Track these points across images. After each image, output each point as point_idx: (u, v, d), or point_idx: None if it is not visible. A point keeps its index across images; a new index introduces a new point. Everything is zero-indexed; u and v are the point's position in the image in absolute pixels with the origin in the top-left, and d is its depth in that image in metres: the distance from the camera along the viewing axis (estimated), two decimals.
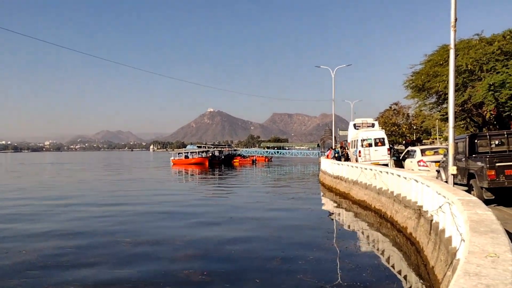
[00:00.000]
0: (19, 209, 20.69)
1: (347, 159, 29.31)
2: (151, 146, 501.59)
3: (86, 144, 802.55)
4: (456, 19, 11.08)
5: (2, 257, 11.29)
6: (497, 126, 24.24)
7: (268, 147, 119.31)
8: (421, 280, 8.81)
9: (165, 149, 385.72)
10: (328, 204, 22.75)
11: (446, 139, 49.39)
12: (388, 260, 10.82)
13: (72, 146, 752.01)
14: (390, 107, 63.17)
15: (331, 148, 39.29)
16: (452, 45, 11.16)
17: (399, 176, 14.59)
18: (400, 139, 58.44)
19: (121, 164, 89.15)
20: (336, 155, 31.42)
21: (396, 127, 57.84)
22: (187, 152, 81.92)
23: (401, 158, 22.23)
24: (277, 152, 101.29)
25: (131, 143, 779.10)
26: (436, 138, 53.91)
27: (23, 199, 24.67)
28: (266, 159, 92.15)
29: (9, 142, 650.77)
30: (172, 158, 79.77)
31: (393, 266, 10.18)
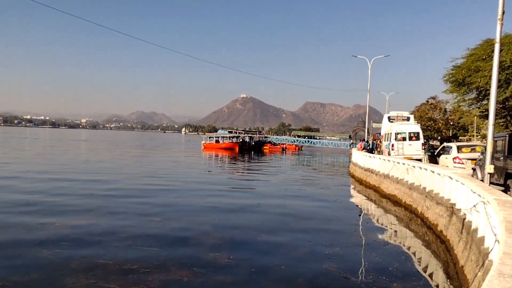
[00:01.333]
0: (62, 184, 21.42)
1: (380, 152, 28.86)
2: (183, 129, 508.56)
3: (121, 124, 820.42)
4: (503, 12, 10.65)
5: (36, 228, 11.77)
6: None
7: (299, 136, 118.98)
8: (449, 279, 8.66)
9: (196, 133, 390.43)
10: (357, 196, 22.55)
11: (483, 136, 47.82)
12: (415, 256, 10.67)
13: (107, 125, 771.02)
14: (427, 101, 61.46)
15: (363, 140, 38.76)
16: (497, 39, 10.75)
17: (432, 172, 14.29)
18: (436, 135, 56.95)
19: (153, 145, 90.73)
20: (368, 147, 31.02)
21: (432, 122, 56.26)
22: (218, 137, 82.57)
23: (435, 154, 21.70)
24: (308, 141, 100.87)
25: (164, 124, 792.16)
26: (473, 135, 52.23)
27: (68, 176, 25.52)
28: (297, 148, 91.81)
29: (47, 118, 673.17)
30: (203, 141, 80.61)
31: (420, 263, 10.04)
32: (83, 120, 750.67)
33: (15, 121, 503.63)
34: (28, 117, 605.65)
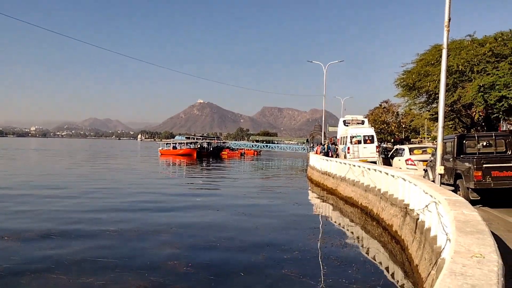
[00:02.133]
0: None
1: (337, 155, 29.39)
2: (139, 136, 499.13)
3: (73, 131, 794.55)
4: (449, 19, 11.09)
5: None
6: (485, 128, 24.49)
7: (257, 141, 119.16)
8: (406, 278, 8.86)
9: (153, 139, 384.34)
10: (315, 200, 22.82)
11: (434, 138, 49.84)
12: (373, 257, 10.87)
13: (58, 133, 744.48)
14: (380, 105, 63.51)
15: (320, 143, 39.37)
16: (445, 45, 11.17)
17: (387, 174, 14.64)
18: (389, 137, 58.82)
19: (107, 152, 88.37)
20: (323, 151, 31.50)
21: (385, 125, 58.15)
22: (175, 143, 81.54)
23: (389, 156, 22.33)
24: (266, 146, 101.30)
25: (119, 131, 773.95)
26: (424, 137, 54.33)
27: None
28: (255, 153, 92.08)
29: None
30: (160, 148, 79.33)
31: (378, 263, 10.22)
32: (33, 128, 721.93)
33: None
34: None
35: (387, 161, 22.26)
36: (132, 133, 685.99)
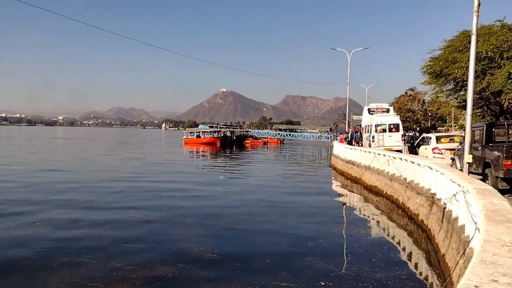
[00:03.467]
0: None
1: (361, 144, 29.13)
2: (163, 125, 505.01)
3: (99, 120, 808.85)
4: (479, 4, 10.80)
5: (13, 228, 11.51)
6: None
7: (280, 129, 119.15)
8: (431, 267, 8.80)
9: (177, 128, 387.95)
10: (339, 189, 22.73)
11: (461, 127, 48.79)
12: (398, 246, 10.81)
13: (85, 122, 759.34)
14: (406, 93, 62.42)
15: (344, 132, 39.06)
16: (474, 31, 10.91)
17: (413, 162, 14.47)
18: (415, 126, 57.84)
19: (134, 142, 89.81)
20: (348, 139, 31.24)
21: (411, 113, 57.21)
22: (199, 132, 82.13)
23: (415, 144, 22.00)
24: (289, 134, 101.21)
25: (144, 120, 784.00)
26: (451, 126, 53.28)
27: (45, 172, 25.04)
28: (278, 141, 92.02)
29: (23, 116, 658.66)
30: (184, 137, 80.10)
31: (403, 252, 10.18)
32: (60, 117, 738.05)
33: None
34: (3, 115, 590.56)
35: (413, 150, 21.94)
36: (156, 122, 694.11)
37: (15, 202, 15.41)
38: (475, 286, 2.58)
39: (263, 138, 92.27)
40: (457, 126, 52.39)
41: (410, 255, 9.87)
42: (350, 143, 29.74)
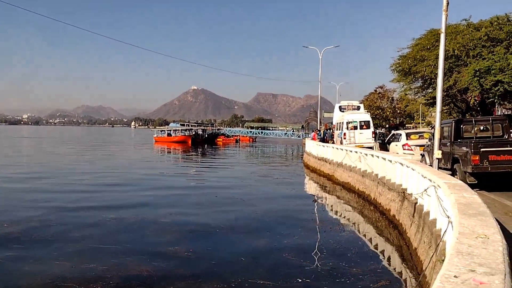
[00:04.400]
0: None
1: (333, 141, 29.48)
2: (133, 123, 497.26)
3: (66, 119, 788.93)
4: (448, 3, 11.06)
5: None
6: (480, 113, 24.60)
7: (252, 127, 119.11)
8: (404, 261, 8.96)
9: (146, 126, 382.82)
10: (312, 186, 22.93)
11: (428, 124, 50.09)
12: (371, 241, 10.98)
13: (51, 120, 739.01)
14: (375, 90, 63.51)
15: (317, 129, 39.44)
16: (443, 29, 11.17)
17: (384, 159, 14.70)
18: (384, 123, 58.99)
19: (103, 140, 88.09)
20: (320, 137, 31.58)
21: (380, 110, 58.28)
22: (170, 130, 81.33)
23: (386, 141, 22.42)
24: (261, 132, 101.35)
25: (112, 119, 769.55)
26: (419, 123, 54.64)
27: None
28: (250, 139, 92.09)
29: None
30: (155, 135, 79.19)
31: (377, 247, 10.34)
32: (25, 116, 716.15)
33: None
34: None
35: (384, 147, 22.36)
36: (125, 120, 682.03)
37: None
38: (454, 276, 2.64)
39: (235, 136, 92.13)
40: (424, 123, 53.75)
41: (383, 250, 10.03)
42: (322, 140, 30.05)
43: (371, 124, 26.44)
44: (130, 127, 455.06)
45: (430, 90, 27.02)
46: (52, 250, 9.53)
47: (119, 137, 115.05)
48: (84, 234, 10.94)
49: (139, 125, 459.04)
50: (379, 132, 28.68)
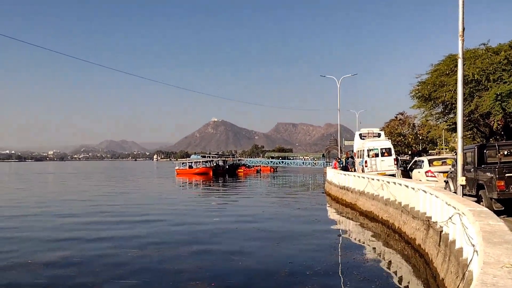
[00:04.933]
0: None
1: (354, 169, 29.19)
2: (155, 156, 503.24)
3: (90, 154, 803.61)
4: (463, 29, 11.07)
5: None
6: (504, 137, 24.10)
7: (272, 157, 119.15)
8: None
9: (168, 159, 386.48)
10: (334, 215, 22.60)
11: (452, 149, 49.23)
12: (396, 272, 10.69)
13: (75, 156, 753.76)
14: (396, 117, 63.07)
15: (337, 158, 39.19)
16: (460, 55, 11.13)
17: (407, 186, 14.47)
18: (406, 149, 58.24)
19: (125, 174, 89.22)
20: (342, 165, 31.29)
21: (401, 137, 57.68)
22: (191, 162, 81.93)
23: (408, 168, 22.09)
24: (282, 162, 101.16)
25: (135, 152, 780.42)
26: (442, 149, 53.73)
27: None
28: (271, 169, 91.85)
29: (12, 152, 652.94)
30: (177, 167, 79.82)
31: (402, 278, 10.05)
32: (50, 152, 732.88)
33: None
34: None
35: (406, 174, 22.02)
36: (147, 153, 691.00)
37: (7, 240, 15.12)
38: None
39: (256, 166, 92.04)
40: (448, 149, 52.83)
41: (409, 282, 9.75)
42: (344, 168, 29.79)
43: (393, 151, 26.14)
44: (153, 160, 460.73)
45: (451, 116, 26.68)
46: (76, 284, 9.57)
47: (142, 170, 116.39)
48: (107, 269, 10.98)
49: (161, 158, 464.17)
50: (401, 159, 28.27)
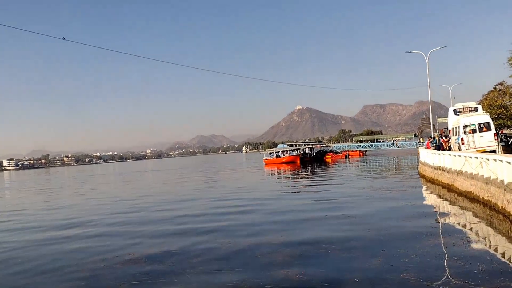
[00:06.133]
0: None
1: (449, 147, 27.42)
2: (243, 148, 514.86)
3: (183, 150, 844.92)
4: None
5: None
6: None
7: (361, 141, 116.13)
8: None
9: (256, 150, 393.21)
10: (430, 197, 21.43)
11: None
12: (502, 255, 9.89)
13: (171, 153, 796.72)
14: (495, 88, 57.75)
15: (430, 137, 37.13)
16: None
17: (509, 162, 13.30)
18: (509, 122, 53.29)
19: (217, 166, 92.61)
20: (435, 144, 29.56)
21: (503, 109, 52.75)
22: (278, 151, 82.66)
23: (510, 143, 20.23)
24: (371, 145, 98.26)
25: (224, 146, 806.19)
26: None
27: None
28: (360, 154, 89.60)
29: (115, 153, 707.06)
30: (264, 158, 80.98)
31: (509, 261, 9.26)
32: (148, 151, 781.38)
33: (86, 159, 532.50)
34: (98, 154, 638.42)
35: (508, 149, 20.18)
36: (236, 146, 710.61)
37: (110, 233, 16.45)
38: None
39: (344, 151, 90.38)
40: None
41: None
42: (438, 148, 28.11)
43: (492, 126, 24.09)
44: (241, 152, 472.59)
45: None
46: (172, 275, 10.15)
47: (233, 162, 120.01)
48: (198, 259, 11.48)
49: (249, 149, 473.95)
50: (502, 133, 25.92)
